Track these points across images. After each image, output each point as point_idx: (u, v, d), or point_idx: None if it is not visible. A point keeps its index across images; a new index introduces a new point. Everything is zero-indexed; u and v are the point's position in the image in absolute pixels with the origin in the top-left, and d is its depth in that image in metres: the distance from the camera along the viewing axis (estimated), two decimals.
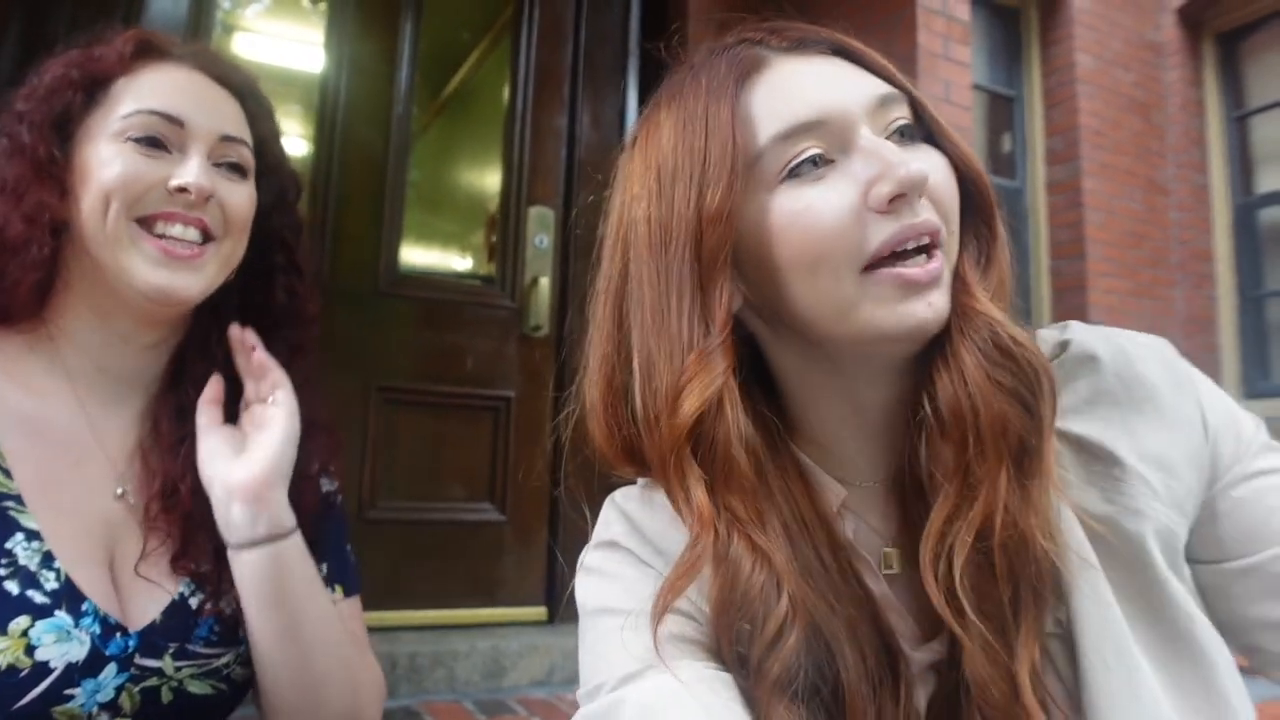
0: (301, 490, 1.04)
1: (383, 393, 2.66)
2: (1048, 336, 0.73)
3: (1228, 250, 4.92)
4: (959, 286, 0.66)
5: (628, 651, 0.65)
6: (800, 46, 0.70)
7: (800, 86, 0.67)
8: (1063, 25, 4.66)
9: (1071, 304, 4.47)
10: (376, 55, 2.81)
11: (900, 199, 0.62)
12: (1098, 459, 0.67)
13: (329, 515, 1.13)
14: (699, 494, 0.64)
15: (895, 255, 0.63)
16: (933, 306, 0.63)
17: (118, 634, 0.92)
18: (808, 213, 0.64)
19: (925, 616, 0.69)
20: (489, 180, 3.09)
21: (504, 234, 2.93)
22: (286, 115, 2.85)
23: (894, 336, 0.64)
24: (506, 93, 3.02)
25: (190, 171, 0.97)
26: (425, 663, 2.37)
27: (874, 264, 0.63)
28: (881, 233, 0.63)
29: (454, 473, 2.76)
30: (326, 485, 1.15)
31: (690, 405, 0.64)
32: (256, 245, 1.08)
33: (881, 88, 0.68)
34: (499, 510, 2.78)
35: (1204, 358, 4.78)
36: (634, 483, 0.79)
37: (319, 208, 2.65)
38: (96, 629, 0.91)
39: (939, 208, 0.65)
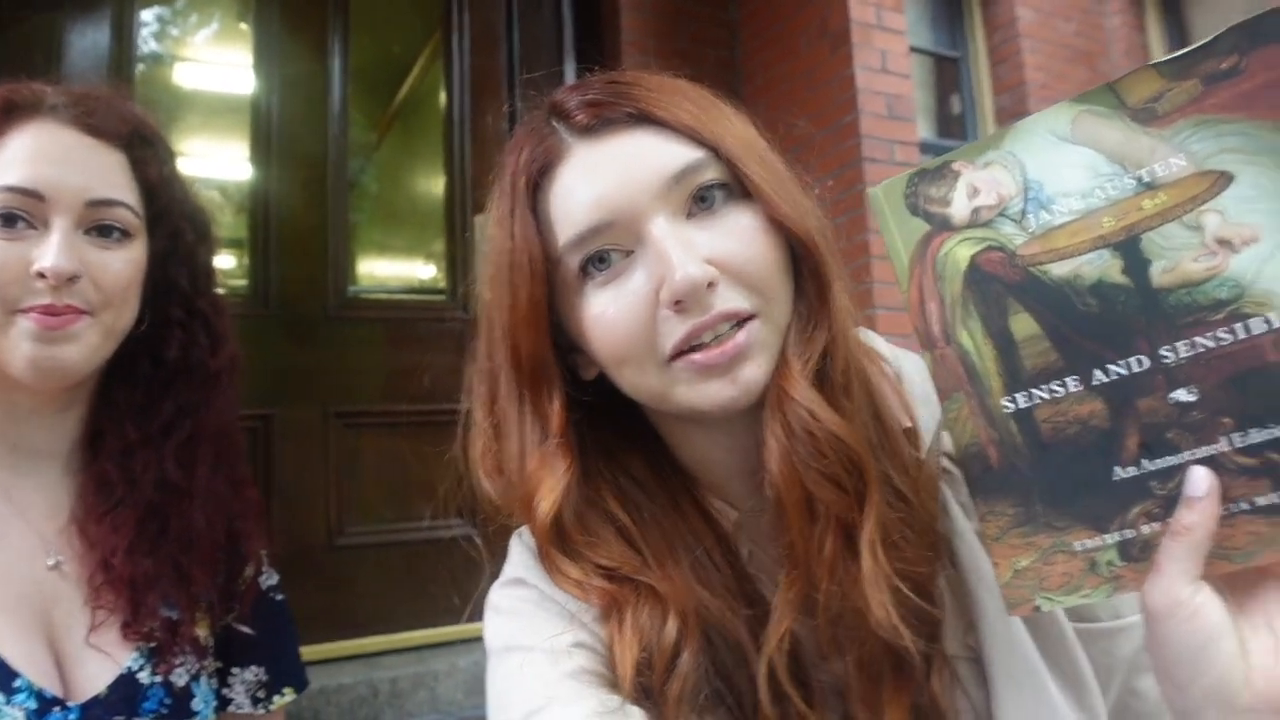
0: (244, 596, 1.03)
1: (342, 418, 2.63)
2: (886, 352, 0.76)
3: None
4: (780, 365, 0.66)
5: (532, 687, 0.65)
6: (598, 127, 0.67)
7: (589, 186, 0.66)
8: None
9: None
10: (307, 73, 2.78)
11: (683, 301, 0.62)
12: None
13: (272, 614, 1.12)
14: (589, 579, 0.67)
15: (691, 347, 0.64)
16: (738, 382, 0.64)
17: (56, 708, 0.90)
18: (603, 318, 0.66)
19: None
20: (442, 190, 3.06)
21: (452, 245, 2.90)
22: (221, 141, 2.80)
23: (710, 413, 0.65)
24: (444, 100, 2.98)
25: (49, 254, 0.90)
26: (407, 686, 2.35)
27: (674, 356, 0.64)
28: (673, 334, 0.63)
29: (422, 491, 2.72)
30: (266, 580, 1.13)
31: (544, 509, 0.67)
32: (152, 299, 1.03)
33: (679, 160, 0.65)
34: (469, 524, 2.75)
35: None
36: None
37: (259, 235, 2.61)
38: (32, 704, 0.88)
39: (745, 281, 0.64)
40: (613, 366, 0.68)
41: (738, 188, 0.67)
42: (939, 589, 0.67)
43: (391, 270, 3.14)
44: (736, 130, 0.69)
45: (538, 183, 0.68)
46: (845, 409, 0.65)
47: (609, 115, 0.67)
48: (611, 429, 0.74)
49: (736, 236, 0.65)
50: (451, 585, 2.69)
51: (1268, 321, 0.47)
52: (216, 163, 2.82)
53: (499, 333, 0.70)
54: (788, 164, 0.72)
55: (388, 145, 3.21)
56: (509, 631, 0.71)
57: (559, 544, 0.68)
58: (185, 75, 2.83)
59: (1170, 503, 0.50)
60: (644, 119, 0.67)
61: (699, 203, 0.66)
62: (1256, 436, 0.48)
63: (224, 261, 2.68)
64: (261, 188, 2.65)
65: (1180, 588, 0.49)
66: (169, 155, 1.09)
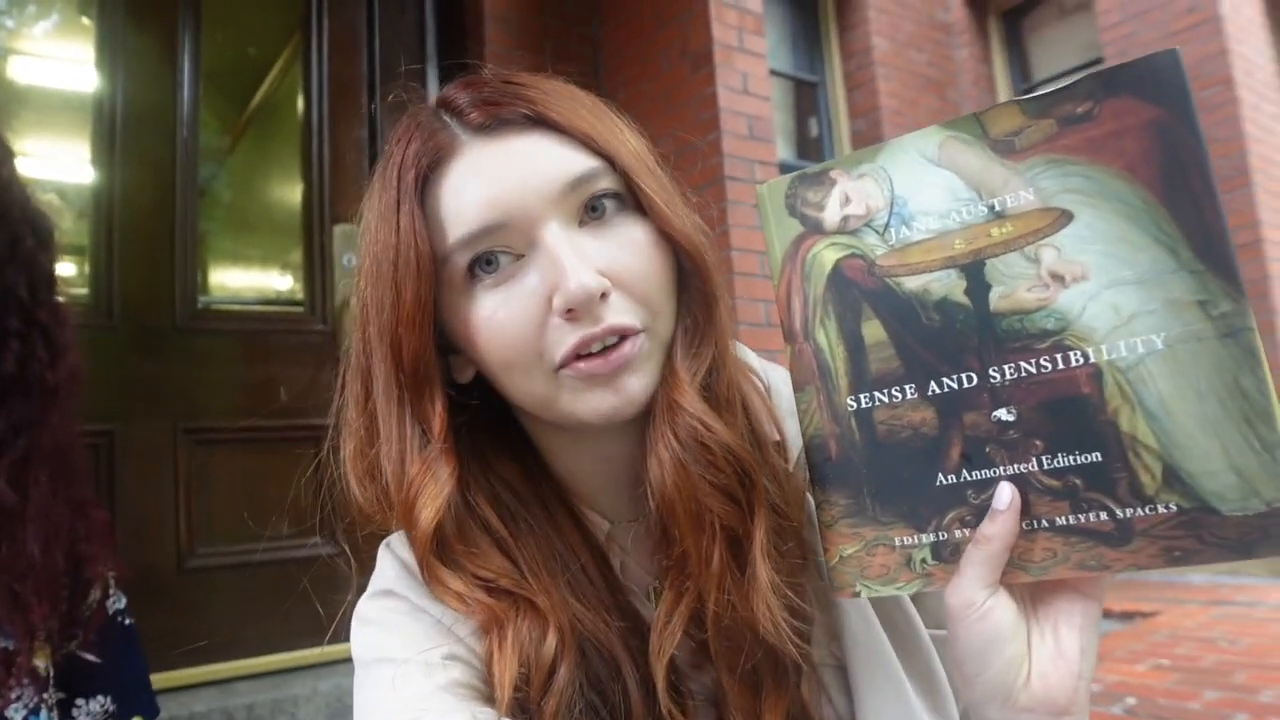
0: (89, 622, 0.97)
1: (191, 434, 2.52)
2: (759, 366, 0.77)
3: None
4: (667, 376, 0.66)
5: (402, 700, 0.63)
6: (494, 125, 0.65)
7: (479, 186, 0.64)
8: (857, 10, 4.83)
9: None
10: (155, 72, 2.65)
11: (575, 311, 0.62)
12: None
13: (119, 640, 1.06)
14: (470, 592, 0.65)
15: (579, 356, 0.63)
16: (621, 392, 0.64)
17: None
18: (492, 321, 0.64)
19: (699, 644, 0.71)
20: (299, 198, 2.96)
21: (309, 255, 2.82)
22: (61, 141, 2.65)
23: (592, 424, 0.65)
24: (301, 105, 2.90)
25: None
26: (265, 712, 2.26)
27: (561, 365, 0.63)
28: (563, 342, 0.62)
29: (278, 509, 2.62)
30: (114, 604, 1.07)
31: (426, 518, 0.65)
32: None
33: (575, 168, 0.64)
34: (329, 542, 2.67)
35: None
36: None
37: (101, 241, 2.48)
38: None
39: (635, 294, 0.64)
40: (498, 371, 0.66)
41: (630, 200, 0.67)
42: (808, 598, 0.68)
43: (245, 281, 3.02)
44: (630, 142, 0.69)
45: (427, 177, 0.66)
46: (730, 423, 0.66)
47: (504, 115, 0.65)
48: (486, 435, 0.72)
49: (629, 249, 0.65)
50: (310, 605, 2.61)
51: (1084, 356, 0.51)
52: (55, 163, 2.66)
53: (378, 331, 0.67)
54: (672, 179, 0.72)
55: (241, 150, 3.09)
56: (379, 643, 0.69)
57: (439, 554, 0.66)
58: (21, 70, 2.67)
59: (981, 512, 0.53)
60: (540, 122, 0.65)
61: (590, 212, 0.65)
62: (1062, 461, 0.52)
63: (64, 269, 2.53)
64: (104, 191, 2.51)
65: (975, 591, 0.53)
66: (7, 155, 1.03)
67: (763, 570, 0.64)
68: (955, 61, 5.25)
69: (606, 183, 0.65)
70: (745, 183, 2.84)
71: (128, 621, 1.09)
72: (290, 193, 2.93)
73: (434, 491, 0.65)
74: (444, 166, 0.65)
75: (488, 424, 0.72)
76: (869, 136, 4.75)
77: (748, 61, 2.91)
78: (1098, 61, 4.84)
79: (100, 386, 2.39)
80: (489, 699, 0.65)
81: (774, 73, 4.19)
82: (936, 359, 0.55)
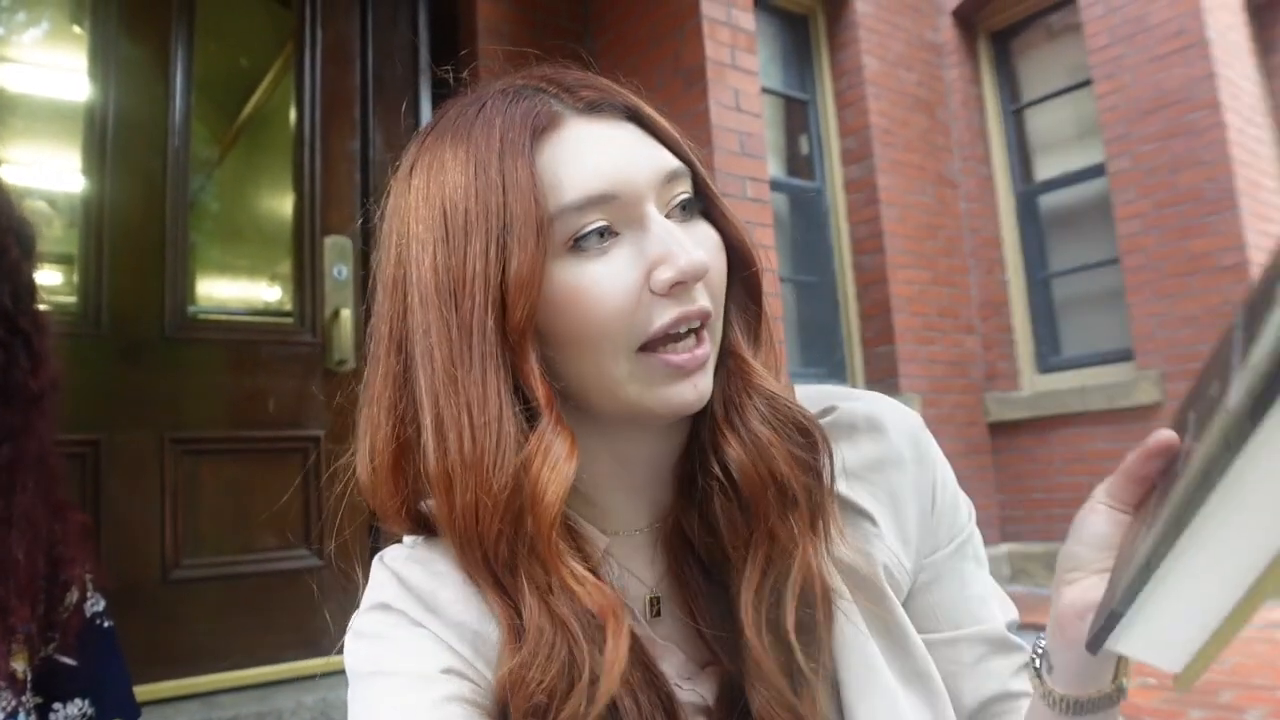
0: (66, 625, 0.97)
1: (179, 445, 2.50)
2: (812, 394, 0.79)
3: (1014, 236, 5.24)
4: (737, 363, 0.70)
5: (399, 713, 0.62)
6: (595, 109, 0.67)
7: (594, 156, 0.65)
8: (848, 30, 4.86)
9: (876, 296, 4.66)
10: (147, 82, 2.64)
11: (680, 285, 0.63)
12: (846, 510, 0.73)
13: (98, 642, 1.05)
14: (582, 568, 0.63)
15: (667, 337, 0.65)
16: (697, 389, 0.66)
17: None
18: (592, 290, 0.63)
19: (692, 656, 0.71)
20: (290, 209, 2.95)
21: (300, 266, 2.81)
22: (51, 149, 2.64)
23: (659, 415, 0.66)
24: (294, 117, 2.90)
25: None
26: None
27: (647, 346, 0.64)
28: (660, 317, 0.64)
29: (265, 521, 2.62)
30: (92, 606, 1.06)
31: (554, 493, 0.61)
32: None
33: (669, 162, 0.67)
34: (316, 555, 2.67)
35: (1000, 338, 5.08)
36: (399, 541, 0.75)
37: (91, 250, 2.47)
38: None
39: (710, 289, 0.67)
40: (583, 345, 0.64)
41: (697, 206, 0.70)
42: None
43: (234, 291, 3.02)
44: (698, 154, 0.72)
45: (534, 142, 0.65)
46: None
47: (607, 102, 0.68)
48: None
49: (706, 244, 0.68)
50: (296, 618, 2.59)
51: None
52: (45, 172, 2.65)
53: (471, 297, 0.63)
54: None
55: (232, 161, 3.09)
56: (375, 656, 0.67)
57: (516, 534, 0.63)
58: (11, 77, 2.66)
59: None
60: (635, 117, 0.69)
61: (680, 210, 0.68)
62: None
63: (52, 277, 2.52)
64: (94, 200, 2.50)
65: None
66: None
67: (832, 535, 0.68)
68: (945, 81, 5.28)
69: (688, 185, 0.69)
70: (736, 199, 2.85)
71: (107, 624, 1.09)
72: (281, 204, 2.92)
73: (558, 468, 0.62)
74: (549, 134, 0.66)
75: None
76: (859, 155, 4.77)
77: (740, 78, 2.92)
78: (1086, 83, 4.88)
79: (87, 395, 2.38)
80: (487, 713, 0.64)
81: (765, 90, 4.21)
82: None
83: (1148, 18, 4.49)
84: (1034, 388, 5.04)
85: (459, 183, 0.65)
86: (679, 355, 0.64)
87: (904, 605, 0.72)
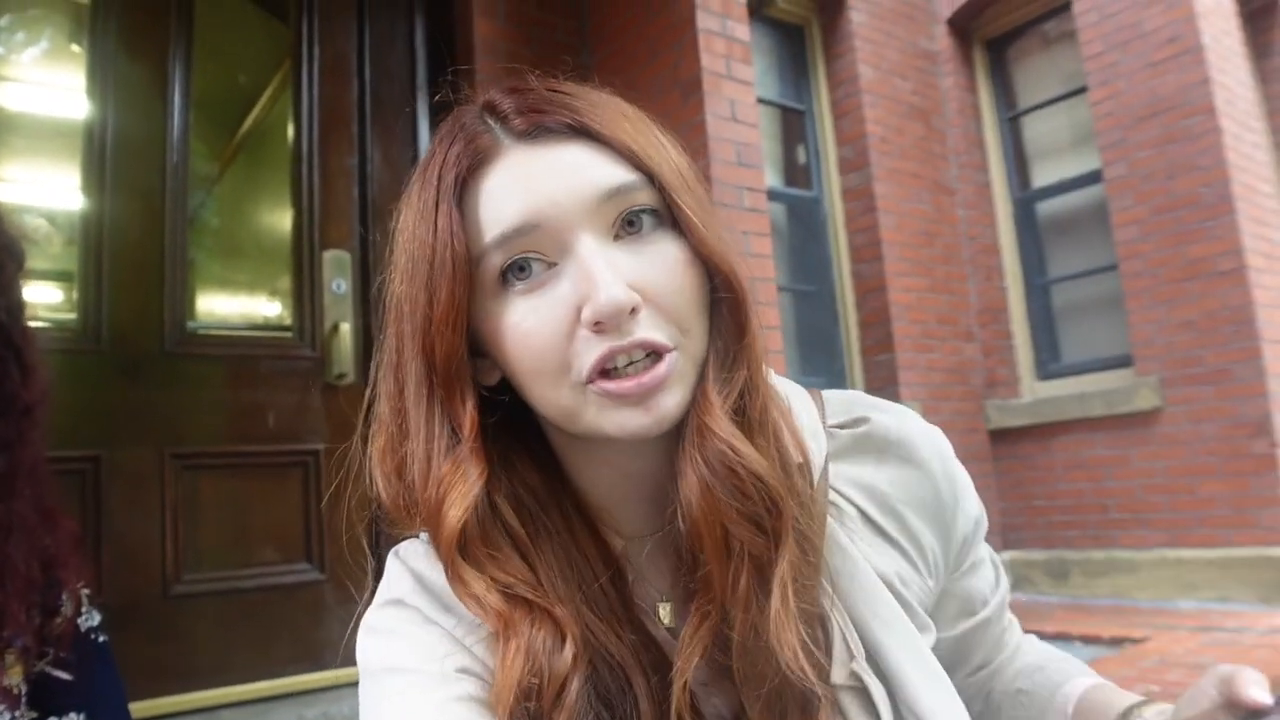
0: (60, 637, 0.97)
1: (179, 460, 2.51)
2: (838, 400, 0.78)
3: (1012, 243, 5.25)
4: (698, 396, 0.66)
5: (412, 712, 0.63)
6: (536, 133, 0.66)
7: (521, 188, 0.64)
8: (844, 39, 4.88)
9: (874, 304, 4.67)
10: (145, 99, 2.66)
11: (601, 324, 0.62)
12: (873, 528, 0.73)
13: (92, 657, 1.06)
14: (490, 597, 0.64)
15: (605, 371, 0.63)
16: (652, 411, 0.63)
17: None
18: (519, 328, 0.64)
19: (712, 664, 0.70)
20: (289, 225, 2.96)
21: (299, 281, 2.82)
22: (50, 167, 2.65)
23: (620, 440, 0.65)
24: (291, 133, 2.91)
25: None
26: None
27: (590, 379, 0.63)
28: (590, 354, 0.62)
29: (266, 535, 2.63)
30: (86, 621, 1.07)
31: (454, 517, 0.64)
32: None
33: (613, 179, 0.65)
34: (317, 569, 2.67)
35: (999, 345, 5.08)
36: (417, 537, 0.76)
37: (90, 267, 2.48)
38: None
39: (666, 312, 0.64)
40: (525, 379, 0.66)
41: (667, 216, 0.67)
42: (829, 622, 0.69)
43: (234, 306, 3.03)
44: (671, 158, 0.69)
45: (466, 180, 0.66)
46: (762, 448, 0.66)
47: (547, 124, 0.66)
48: (511, 439, 0.72)
49: (661, 266, 0.65)
50: (297, 632, 2.59)
51: None
52: (44, 190, 2.67)
53: (411, 329, 0.67)
54: (710, 197, 0.72)
55: (231, 177, 3.10)
56: (389, 652, 0.68)
57: (464, 554, 0.65)
58: (10, 96, 2.67)
59: None
60: (582, 132, 0.66)
61: (627, 226, 0.65)
62: None
63: (52, 295, 2.53)
64: (94, 217, 2.51)
65: None
66: None
67: (779, 601, 0.64)
68: (940, 89, 5.30)
69: (644, 197, 0.66)
70: (734, 209, 2.86)
71: (101, 639, 1.10)
72: (280, 219, 2.94)
73: (463, 491, 0.64)
74: (484, 169, 0.66)
75: (513, 429, 0.72)
76: (856, 164, 4.79)
77: (736, 89, 2.93)
78: (1082, 90, 4.89)
79: (88, 412, 2.39)
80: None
81: (762, 101, 4.23)
82: None
83: (1142, 24, 4.51)
84: (1034, 394, 5.04)
85: (408, 222, 0.69)
86: (624, 383, 0.62)
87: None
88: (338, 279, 2.82)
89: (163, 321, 2.56)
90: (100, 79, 2.59)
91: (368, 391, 0.75)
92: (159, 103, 2.67)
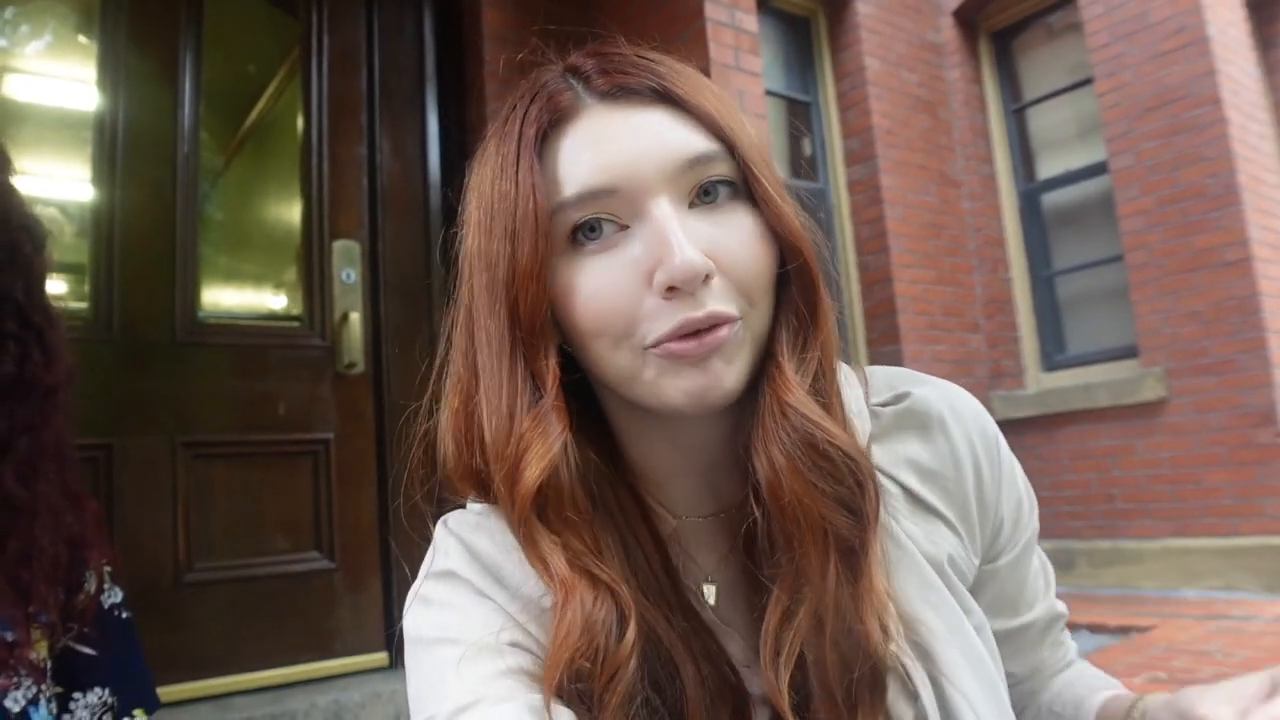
0: (83, 613, 0.98)
1: (190, 448, 2.52)
2: (882, 377, 0.77)
3: (1017, 234, 5.25)
4: (772, 372, 0.65)
5: (463, 683, 0.62)
6: (619, 94, 0.65)
7: (600, 148, 0.63)
8: (850, 31, 4.88)
9: (880, 296, 4.67)
10: (155, 91, 2.66)
11: (675, 289, 0.60)
12: (920, 507, 0.72)
13: (116, 632, 1.07)
14: (557, 561, 0.63)
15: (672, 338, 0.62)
16: (709, 373, 0.62)
17: None
18: (587, 287, 0.64)
19: (753, 644, 0.69)
20: (297, 215, 2.97)
21: (309, 270, 2.83)
22: (61, 159, 2.66)
23: (678, 407, 0.64)
24: (301, 123, 2.92)
25: None
26: None
27: (655, 344, 0.62)
28: (658, 324, 0.61)
29: (276, 524, 2.64)
30: (109, 598, 1.08)
31: (532, 474, 0.62)
32: None
33: (695, 147, 0.64)
34: (328, 557, 2.68)
35: (1005, 336, 5.08)
36: (463, 506, 0.76)
37: (101, 257, 2.49)
38: None
39: (736, 283, 0.63)
40: (586, 338, 0.65)
41: (743, 188, 0.66)
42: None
43: (244, 296, 3.04)
44: (750, 131, 0.67)
45: (547, 134, 0.65)
46: (842, 427, 0.65)
47: (631, 85, 0.65)
48: (579, 404, 0.70)
49: (736, 237, 0.64)
50: (308, 620, 2.61)
51: None
52: (55, 181, 2.67)
53: (490, 283, 0.66)
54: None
55: (241, 167, 3.11)
56: (441, 623, 0.67)
57: (540, 515, 0.64)
58: (19, 88, 2.68)
59: None
60: (665, 97, 0.65)
61: (703, 195, 0.64)
62: None
63: (63, 285, 2.54)
64: (104, 207, 2.52)
65: None
66: (5, 163, 1.05)
67: (880, 583, 0.63)
68: (946, 82, 5.30)
69: (723, 168, 0.65)
70: None
71: (125, 615, 1.11)
72: (289, 209, 2.94)
73: (543, 448, 0.63)
74: (564, 126, 0.65)
75: (580, 395, 0.71)
76: (862, 155, 4.79)
77: (744, 80, 2.94)
78: (1087, 81, 4.89)
79: (99, 401, 2.40)
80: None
81: (768, 93, 4.23)
82: None
83: (1148, 15, 4.51)
84: (1039, 385, 5.05)
85: (488, 176, 0.67)
86: (685, 342, 0.61)
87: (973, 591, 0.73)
88: (347, 269, 2.83)
89: (173, 311, 2.57)
90: (110, 70, 2.60)
91: (440, 345, 0.74)
92: (169, 94, 2.68)
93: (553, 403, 0.64)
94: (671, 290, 0.60)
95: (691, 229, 0.62)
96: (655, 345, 0.62)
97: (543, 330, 0.65)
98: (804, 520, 0.62)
